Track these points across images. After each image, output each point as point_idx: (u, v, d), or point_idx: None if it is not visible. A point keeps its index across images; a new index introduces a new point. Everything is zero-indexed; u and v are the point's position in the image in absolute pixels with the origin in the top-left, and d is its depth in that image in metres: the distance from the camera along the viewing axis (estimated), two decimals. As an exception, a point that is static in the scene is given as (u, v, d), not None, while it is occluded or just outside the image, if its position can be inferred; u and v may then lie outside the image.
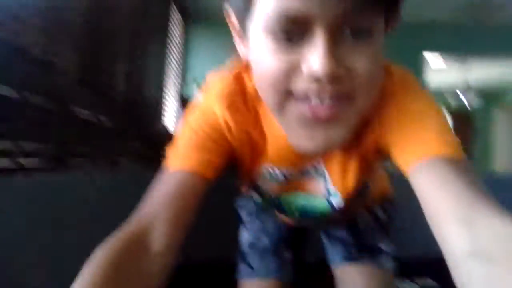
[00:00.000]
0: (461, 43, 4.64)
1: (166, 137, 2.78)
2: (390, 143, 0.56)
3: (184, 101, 3.32)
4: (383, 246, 0.89)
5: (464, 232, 0.41)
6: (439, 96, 7.49)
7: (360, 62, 0.47)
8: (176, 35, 3.57)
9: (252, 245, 0.93)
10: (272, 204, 0.76)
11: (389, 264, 0.88)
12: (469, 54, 5.01)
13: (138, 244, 0.51)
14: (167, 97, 2.78)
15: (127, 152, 1.96)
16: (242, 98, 0.63)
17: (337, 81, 0.46)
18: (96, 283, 0.44)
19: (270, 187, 0.70)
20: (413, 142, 0.52)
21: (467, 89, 6.99)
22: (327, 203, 0.69)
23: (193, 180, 0.59)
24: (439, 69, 5.82)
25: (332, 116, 0.49)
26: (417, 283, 1.71)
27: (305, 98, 0.48)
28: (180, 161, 0.61)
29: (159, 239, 0.53)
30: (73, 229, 1.04)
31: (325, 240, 0.96)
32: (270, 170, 0.67)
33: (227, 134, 0.63)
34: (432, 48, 4.66)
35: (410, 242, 1.87)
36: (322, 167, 0.65)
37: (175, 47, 3.41)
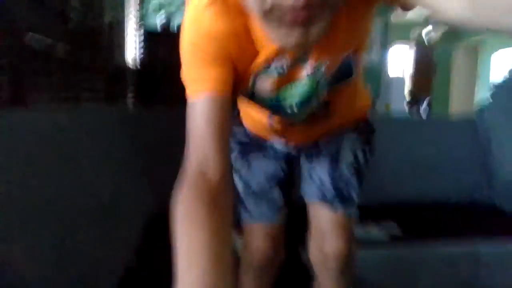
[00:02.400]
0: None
1: (127, 71, 2.61)
2: None
3: (146, 33, 3.08)
4: (355, 196, 0.97)
5: None
6: (402, 30, 7.52)
7: None
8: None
9: (244, 190, 1.01)
10: (270, 105, 0.79)
11: (355, 214, 0.99)
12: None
13: (206, 188, 0.60)
14: (128, 26, 2.56)
15: (88, 86, 1.82)
16: (225, 5, 0.66)
17: None
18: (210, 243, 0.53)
19: (268, 86, 0.73)
20: None
21: (429, 23, 7.04)
22: (314, 80, 0.73)
23: (219, 102, 0.65)
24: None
25: (308, 19, 0.55)
26: (382, 226, 1.80)
27: (285, 6, 0.54)
28: (199, 87, 0.65)
29: (216, 170, 0.62)
30: (37, 169, 0.95)
31: (306, 177, 1.02)
32: (268, 66, 0.70)
33: (219, 37, 0.66)
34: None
35: (377, 188, 1.93)
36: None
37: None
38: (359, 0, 0.66)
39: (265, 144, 1.01)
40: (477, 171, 2.09)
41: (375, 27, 4.70)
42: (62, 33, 1.51)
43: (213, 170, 0.62)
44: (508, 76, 2.23)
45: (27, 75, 1.23)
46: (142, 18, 3.54)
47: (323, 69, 0.71)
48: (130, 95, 2.60)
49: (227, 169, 0.64)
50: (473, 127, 2.08)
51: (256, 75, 0.72)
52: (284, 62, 0.70)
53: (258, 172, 1.00)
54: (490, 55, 7.40)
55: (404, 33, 7.77)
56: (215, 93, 0.64)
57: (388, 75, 4.08)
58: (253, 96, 0.77)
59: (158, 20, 3.35)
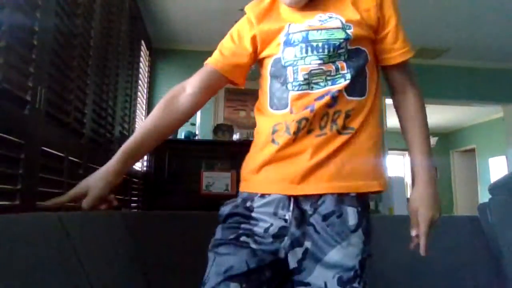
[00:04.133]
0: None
1: (133, 179, 2.68)
2: (380, 31, 1.00)
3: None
4: None
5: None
6: (397, 136, 7.80)
7: None
8: (144, 71, 3.55)
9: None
10: (301, 41, 0.96)
11: None
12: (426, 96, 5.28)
13: (179, 91, 1.06)
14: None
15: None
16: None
17: None
18: (153, 115, 1.06)
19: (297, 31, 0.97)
20: (396, 43, 1.01)
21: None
22: (344, 32, 0.94)
23: (219, 77, 1.06)
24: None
25: None
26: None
27: None
28: (214, 60, 1.06)
29: (191, 87, 1.06)
30: (43, 272, 0.95)
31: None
32: (294, 28, 0.97)
33: (250, 14, 1.03)
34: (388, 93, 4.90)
35: None
36: (335, 14, 0.96)
37: (142, 84, 3.37)
38: None
39: (250, 223, 0.93)
40: (486, 271, 2.01)
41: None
42: (75, 147, 1.60)
43: (188, 85, 1.06)
44: (508, 174, 2.26)
45: (38, 184, 1.28)
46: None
47: (350, 29, 0.94)
48: (135, 200, 2.63)
49: (198, 94, 1.05)
50: (477, 223, 2.06)
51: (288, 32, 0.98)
52: (311, 21, 0.97)
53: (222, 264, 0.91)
54: (488, 160, 7.55)
55: (401, 141, 8.05)
56: (219, 71, 1.05)
57: (388, 176, 4.14)
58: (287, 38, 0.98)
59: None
